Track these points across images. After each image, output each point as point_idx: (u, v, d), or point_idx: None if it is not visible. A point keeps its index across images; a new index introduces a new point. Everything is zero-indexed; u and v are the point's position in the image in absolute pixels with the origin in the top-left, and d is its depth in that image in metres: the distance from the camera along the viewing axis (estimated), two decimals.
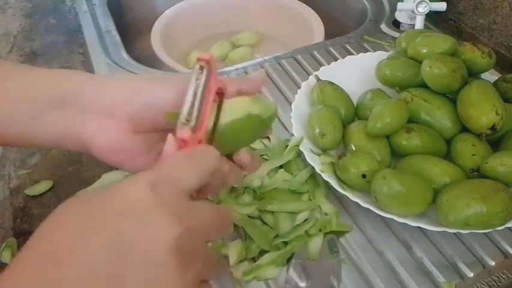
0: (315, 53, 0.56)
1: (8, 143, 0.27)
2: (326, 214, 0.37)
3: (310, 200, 0.38)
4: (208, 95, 0.24)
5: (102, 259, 0.17)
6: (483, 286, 0.33)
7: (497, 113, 0.37)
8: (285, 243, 0.35)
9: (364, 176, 0.36)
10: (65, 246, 0.18)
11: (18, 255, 0.18)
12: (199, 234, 0.19)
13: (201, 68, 0.24)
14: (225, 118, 0.25)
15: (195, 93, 0.23)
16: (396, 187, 0.34)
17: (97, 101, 0.25)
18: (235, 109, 0.25)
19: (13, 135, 0.25)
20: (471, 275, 0.34)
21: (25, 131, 0.25)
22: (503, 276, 0.34)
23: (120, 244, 0.18)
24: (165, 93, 0.25)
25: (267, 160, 0.40)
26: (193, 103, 0.23)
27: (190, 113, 0.23)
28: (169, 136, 0.23)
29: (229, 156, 0.28)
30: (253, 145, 0.42)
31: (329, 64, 0.49)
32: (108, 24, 0.63)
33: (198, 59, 0.24)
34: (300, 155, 0.41)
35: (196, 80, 0.24)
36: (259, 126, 0.26)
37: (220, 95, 0.25)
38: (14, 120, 0.25)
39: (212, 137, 0.24)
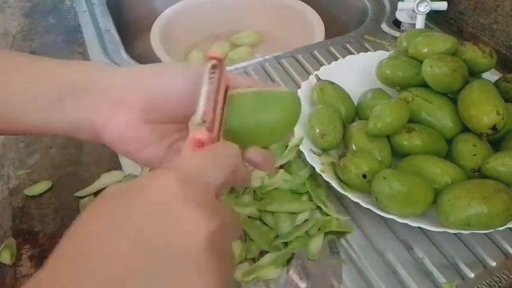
0: (316, 52, 0.56)
1: (27, 132, 0.27)
2: (326, 214, 0.37)
3: (310, 200, 0.38)
4: (220, 93, 0.24)
5: (139, 255, 0.17)
6: (484, 286, 0.33)
7: (498, 113, 0.37)
8: (285, 244, 0.35)
9: (364, 176, 0.36)
10: (96, 240, 0.18)
11: (54, 253, 0.18)
12: (227, 231, 0.20)
13: (213, 66, 0.24)
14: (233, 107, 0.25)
15: (209, 93, 0.23)
16: (397, 187, 0.34)
17: (109, 89, 0.25)
18: (242, 91, 0.25)
19: (32, 124, 0.26)
20: (472, 275, 0.34)
21: (43, 120, 0.26)
22: (504, 276, 0.34)
23: (155, 238, 0.17)
24: (176, 82, 0.25)
25: None
26: (207, 103, 0.23)
27: (205, 113, 0.23)
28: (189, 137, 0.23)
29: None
30: None
31: (329, 64, 0.49)
32: (107, 23, 0.63)
33: (210, 58, 0.24)
34: (300, 155, 0.40)
35: (209, 78, 0.23)
36: (272, 104, 0.25)
37: (226, 91, 0.25)
38: (33, 110, 0.25)
39: (220, 135, 0.24)
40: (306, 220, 0.36)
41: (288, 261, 0.34)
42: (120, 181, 0.40)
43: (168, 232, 0.18)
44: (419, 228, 0.34)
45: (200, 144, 0.22)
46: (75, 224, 0.19)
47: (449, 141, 0.41)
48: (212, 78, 0.23)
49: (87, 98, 0.25)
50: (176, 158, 0.23)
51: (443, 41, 0.42)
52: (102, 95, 0.25)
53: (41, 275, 0.17)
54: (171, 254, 0.17)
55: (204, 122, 0.22)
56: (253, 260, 0.34)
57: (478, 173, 0.37)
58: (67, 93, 0.25)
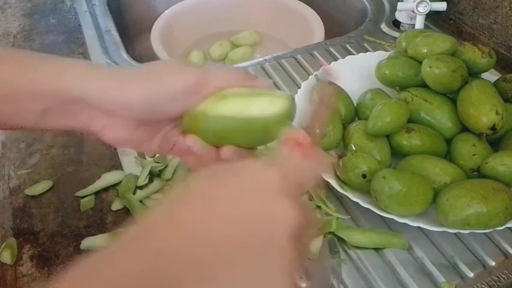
0: (315, 52, 0.56)
1: (25, 129, 0.28)
2: (326, 214, 0.37)
3: (310, 200, 0.38)
4: (323, 113, 0.27)
5: (227, 234, 0.18)
6: (483, 286, 0.33)
7: (497, 113, 0.37)
8: None
9: (364, 176, 0.36)
10: (190, 219, 0.18)
11: (143, 227, 0.18)
12: (307, 228, 0.21)
13: (330, 82, 0.26)
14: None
15: (316, 109, 0.26)
16: (396, 187, 0.34)
17: (101, 101, 0.26)
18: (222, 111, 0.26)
19: (28, 125, 0.27)
20: (471, 275, 0.34)
21: (39, 122, 0.27)
22: (503, 276, 0.34)
23: (250, 221, 0.19)
24: (168, 84, 0.26)
25: None
26: (314, 116, 0.26)
27: (312, 126, 0.25)
28: (288, 131, 0.24)
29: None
30: None
31: (329, 64, 0.49)
32: (108, 23, 0.63)
33: (329, 82, 0.27)
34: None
35: (323, 99, 0.27)
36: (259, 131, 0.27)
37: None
38: (28, 113, 0.26)
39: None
40: None
41: None
42: (121, 181, 0.40)
43: (262, 218, 0.19)
44: (419, 228, 0.35)
45: (299, 144, 0.24)
46: (165, 206, 0.19)
47: (449, 141, 0.41)
48: (322, 93, 0.26)
49: (80, 106, 0.26)
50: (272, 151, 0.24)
51: (443, 42, 0.43)
52: (94, 106, 0.26)
53: (118, 246, 0.18)
54: (260, 237, 0.18)
55: (308, 127, 0.25)
56: None
57: (478, 173, 0.37)
58: (61, 101, 0.26)
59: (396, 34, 0.59)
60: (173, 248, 0.17)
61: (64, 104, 0.26)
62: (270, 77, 0.52)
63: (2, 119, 0.26)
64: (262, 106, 0.26)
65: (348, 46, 0.57)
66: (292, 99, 0.27)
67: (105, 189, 0.40)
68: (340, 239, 0.36)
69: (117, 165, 0.42)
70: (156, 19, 0.67)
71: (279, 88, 0.51)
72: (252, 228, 0.18)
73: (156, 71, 0.27)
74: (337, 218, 0.37)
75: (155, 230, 0.18)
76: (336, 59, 0.50)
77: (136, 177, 0.40)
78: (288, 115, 0.27)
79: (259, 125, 0.26)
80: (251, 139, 0.27)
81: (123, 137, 0.27)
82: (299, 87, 0.46)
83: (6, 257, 0.35)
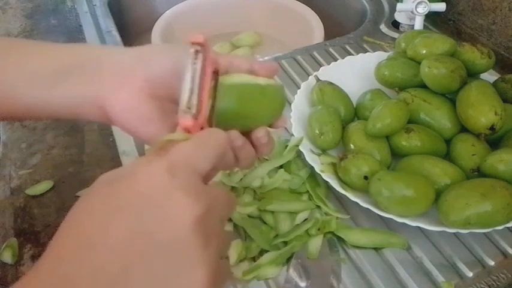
0: (315, 53, 0.56)
1: (28, 114, 0.27)
2: (326, 214, 0.37)
3: (310, 199, 0.38)
4: (205, 78, 0.24)
5: (129, 242, 0.18)
6: (482, 286, 0.33)
7: (496, 113, 0.38)
8: (285, 243, 0.35)
9: (366, 177, 0.36)
10: (93, 232, 0.18)
11: (51, 243, 0.19)
12: (216, 213, 0.20)
13: (196, 51, 0.24)
14: (223, 89, 0.25)
15: (192, 79, 0.23)
16: (392, 189, 0.34)
17: (114, 64, 0.26)
18: (232, 80, 0.26)
19: (33, 102, 0.26)
20: (470, 274, 0.34)
21: (45, 97, 0.26)
22: (502, 276, 0.34)
23: (145, 227, 0.18)
24: (177, 61, 0.26)
25: (267, 160, 0.41)
26: (192, 89, 0.23)
27: (190, 100, 0.23)
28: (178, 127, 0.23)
29: (247, 136, 0.28)
30: None
31: (329, 64, 0.49)
32: (108, 24, 0.63)
33: (192, 43, 0.24)
34: (299, 155, 0.41)
35: (193, 64, 0.23)
36: (260, 96, 0.26)
37: (215, 74, 0.26)
38: (37, 87, 0.26)
39: (211, 119, 0.25)
40: (305, 219, 0.37)
41: (288, 260, 0.34)
42: None
43: (156, 220, 0.19)
44: (418, 227, 0.35)
45: (187, 131, 0.22)
46: (69, 219, 0.19)
47: (448, 142, 0.41)
48: (195, 64, 0.23)
49: (90, 74, 0.26)
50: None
51: (442, 42, 0.43)
52: (104, 70, 0.26)
53: (40, 263, 0.18)
54: (159, 240, 0.18)
55: (189, 108, 0.22)
56: (253, 259, 0.34)
57: (477, 173, 0.37)
58: (70, 70, 0.26)
59: (395, 35, 0.59)
60: (81, 272, 0.17)
61: (75, 73, 0.25)
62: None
63: (13, 90, 0.25)
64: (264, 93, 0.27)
65: (347, 47, 0.57)
66: (283, 88, 0.28)
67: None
68: (340, 239, 0.36)
69: (118, 166, 0.42)
70: (156, 20, 0.67)
71: None
72: (152, 236, 0.18)
73: (172, 45, 0.28)
74: (337, 218, 0.37)
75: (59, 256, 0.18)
76: (335, 60, 0.51)
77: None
78: (281, 102, 0.28)
79: (271, 92, 0.26)
80: (253, 124, 0.27)
81: (133, 107, 0.26)
82: (299, 88, 0.46)
83: (7, 257, 0.35)
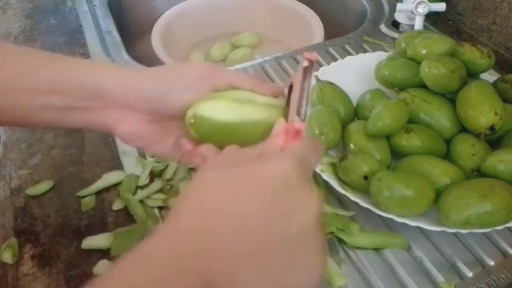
0: (315, 53, 0.56)
1: (45, 126, 0.30)
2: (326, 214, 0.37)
3: None
4: (309, 92, 0.27)
5: (268, 225, 0.19)
6: (482, 286, 0.33)
7: (496, 113, 0.38)
8: None
9: (366, 177, 0.36)
10: (230, 216, 0.19)
11: (172, 223, 0.20)
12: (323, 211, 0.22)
13: (306, 68, 0.26)
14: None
15: (302, 90, 0.26)
16: (392, 189, 0.34)
17: (115, 95, 0.27)
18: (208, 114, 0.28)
19: (52, 121, 0.28)
20: (470, 274, 0.34)
21: (61, 119, 0.28)
22: (502, 276, 0.34)
23: (282, 211, 0.20)
24: (175, 83, 0.28)
25: None
26: (302, 98, 0.26)
27: (299, 108, 0.25)
28: (281, 120, 0.26)
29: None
30: None
31: (329, 64, 0.49)
32: (108, 24, 0.63)
33: (306, 58, 0.27)
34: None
35: (303, 77, 0.26)
36: (230, 133, 0.28)
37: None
38: (52, 108, 0.28)
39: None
40: None
41: None
42: (122, 181, 0.40)
43: (292, 207, 0.20)
44: (418, 227, 0.35)
45: (298, 133, 0.25)
46: (199, 195, 0.20)
47: (448, 142, 0.41)
48: (305, 79, 0.26)
49: (95, 102, 0.27)
50: (268, 143, 0.25)
51: (442, 43, 0.43)
52: (108, 100, 0.27)
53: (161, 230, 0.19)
54: (295, 229, 0.19)
55: (299, 115, 0.25)
56: None
57: (477, 173, 0.37)
58: (77, 97, 0.27)
59: (395, 35, 0.59)
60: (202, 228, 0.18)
61: (84, 100, 0.27)
62: (270, 78, 0.53)
63: (28, 114, 0.27)
64: (260, 110, 0.28)
65: (347, 47, 0.57)
66: (284, 108, 0.28)
67: (106, 189, 0.40)
68: (340, 239, 0.36)
69: (118, 166, 0.42)
70: (156, 20, 0.67)
71: None
72: (291, 220, 0.19)
73: (169, 65, 0.29)
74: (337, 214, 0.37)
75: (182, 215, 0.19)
76: (335, 60, 0.51)
77: (137, 177, 0.40)
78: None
79: (258, 128, 0.28)
80: (252, 140, 0.28)
81: (136, 132, 0.29)
82: None
83: (7, 257, 0.35)
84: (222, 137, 0.28)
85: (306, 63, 0.26)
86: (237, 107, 0.28)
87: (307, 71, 0.26)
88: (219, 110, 0.28)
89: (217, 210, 0.19)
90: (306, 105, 0.26)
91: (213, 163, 0.22)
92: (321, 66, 0.50)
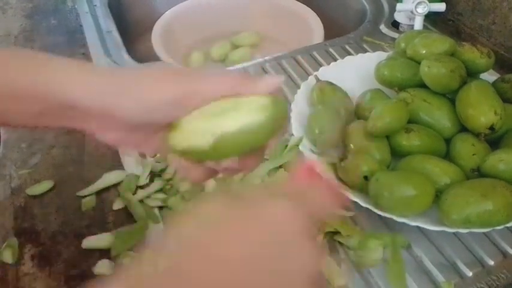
0: (315, 53, 0.56)
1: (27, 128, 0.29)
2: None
3: None
4: None
5: (252, 277, 0.18)
6: (482, 285, 0.33)
7: (496, 113, 0.38)
8: None
9: (365, 177, 0.36)
10: (219, 267, 0.18)
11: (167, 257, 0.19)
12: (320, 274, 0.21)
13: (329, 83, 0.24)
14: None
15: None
16: (392, 189, 0.34)
17: (93, 110, 0.26)
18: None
19: (29, 124, 0.28)
20: (470, 274, 0.34)
21: (37, 122, 0.27)
22: (502, 275, 0.34)
23: (270, 264, 0.19)
24: (157, 91, 0.26)
25: (267, 160, 0.41)
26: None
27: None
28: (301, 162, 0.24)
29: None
30: None
31: (328, 64, 0.49)
32: (109, 25, 0.63)
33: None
34: (299, 155, 0.41)
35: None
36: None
37: None
38: (26, 114, 0.27)
39: None
40: None
41: None
42: (122, 181, 0.40)
43: (286, 259, 0.19)
44: (418, 227, 0.35)
45: (315, 175, 0.23)
46: (192, 240, 0.19)
47: (448, 141, 0.41)
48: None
49: (72, 112, 0.26)
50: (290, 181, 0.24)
51: (442, 43, 0.43)
52: (87, 110, 0.26)
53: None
54: (287, 278, 0.19)
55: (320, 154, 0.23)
56: None
57: (477, 173, 0.37)
58: (54, 106, 0.26)
59: (395, 35, 0.59)
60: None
61: (58, 108, 0.26)
62: None
63: (3, 117, 0.27)
64: (240, 119, 0.24)
65: (347, 47, 0.57)
66: (277, 104, 0.25)
67: (107, 189, 0.40)
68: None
69: (118, 165, 0.42)
70: (156, 20, 0.67)
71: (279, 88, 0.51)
72: (273, 273, 0.18)
73: (147, 81, 0.26)
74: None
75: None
76: (335, 60, 0.51)
77: (137, 177, 0.40)
78: (270, 123, 0.25)
79: (239, 138, 0.25)
80: (237, 151, 0.26)
81: (119, 139, 0.28)
82: (299, 88, 0.46)
83: (8, 257, 0.35)
84: (210, 157, 0.26)
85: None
86: (210, 125, 0.25)
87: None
88: (190, 137, 0.25)
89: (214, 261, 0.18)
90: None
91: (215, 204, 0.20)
92: (320, 66, 0.50)
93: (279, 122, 0.26)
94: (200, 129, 0.25)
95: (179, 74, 0.27)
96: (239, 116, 0.25)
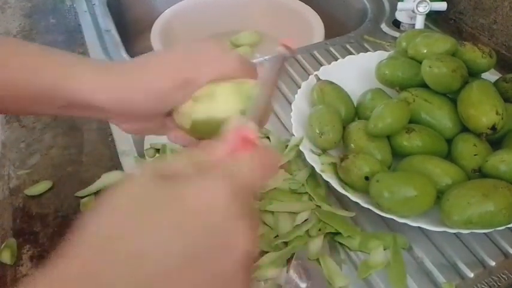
0: (315, 52, 0.56)
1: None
2: (326, 214, 0.37)
3: (310, 200, 0.38)
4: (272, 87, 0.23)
5: (181, 270, 0.17)
6: (483, 286, 0.33)
7: (497, 113, 0.37)
8: (285, 244, 0.35)
9: (366, 178, 0.36)
10: (137, 249, 0.17)
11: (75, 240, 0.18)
12: (254, 254, 0.19)
13: (282, 58, 0.22)
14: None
15: (268, 85, 0.22)
16: (393, 189, 0.34)
17: (95, 103, 0.28)
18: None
19: (53, 113, 0.31)
20: (471, 275, 0.34)
21: (61, 113, 0.30)
22: (503, 276, 0.34)
23: (195, 252, 0.17)
24: (148, 82, 0.27)
25: None
26: (264, 96, 0.22)
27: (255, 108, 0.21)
28: (234, 121, 0.22)
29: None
30: None
31: (329, 64, 0.49)
32: (107, 24, 0.63)
33: (283, 45, 0.22)
34: (300, 155, 0.40)
35: (273, 69, 0.22)
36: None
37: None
38: (48, 109, 0.29)
39: None
40: (306, 220, 0.36)
41: (288, 261, 0.34)
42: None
43: (209, 246, 0.17)
44: (419, 227, 0.35)
45: (249, 143, 0.20)
46: (112, 216, 0.18)
47: (449, 142, 0.41)
48: (276, 68, 0.22)
49: (77, 109, 0.28)
50: (217, 147, 0.21)
51: (443, 42, 0.43)
52: (89, 106, 0.28)
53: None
54: (213, 272, 0.17)
55: (254, 117, 0.21)
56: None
57: (479, 173, 0.37)
58: (73, 104, 0.28)
59: (396, 34, 0.59)
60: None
61: (76, 105, 0.28)
62: None
63: (27, 111, 0.30)
64: (229, 105, 0.25)
65: (348, 46, 0.57)
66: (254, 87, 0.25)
67: (105, 189, 0.40)
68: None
69: (117, 166, 0.42)
70: (156, 19, 0.67)
71: (278, 88, 0.51)
72: (200, 260, 0.17)
73: (151, 71, 0.28)
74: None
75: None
76: (336, 59, 0.50)
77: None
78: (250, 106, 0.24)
79: (210, 125, 0.26)
80: (209, 135, 0.26)
81: (139, 128, 0.30)
82: (299, 87, 0.46)
83: (6, 257, 0.35)
84: (197, 135, 0.28)
85: (283, 51, 0.21)
86: (190, 110, 0.27)
87: (279, 61, 0.22)
88: (181, 118, 0.27)
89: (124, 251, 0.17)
90: (269, 104, 0.22)
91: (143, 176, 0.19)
92: (321, 65, 0.49)
93: (254, 111, 0.24)
94: (185, 112, 0.27)
95: (180, 59, 0.28)
96: (212, 104, 0.26)
